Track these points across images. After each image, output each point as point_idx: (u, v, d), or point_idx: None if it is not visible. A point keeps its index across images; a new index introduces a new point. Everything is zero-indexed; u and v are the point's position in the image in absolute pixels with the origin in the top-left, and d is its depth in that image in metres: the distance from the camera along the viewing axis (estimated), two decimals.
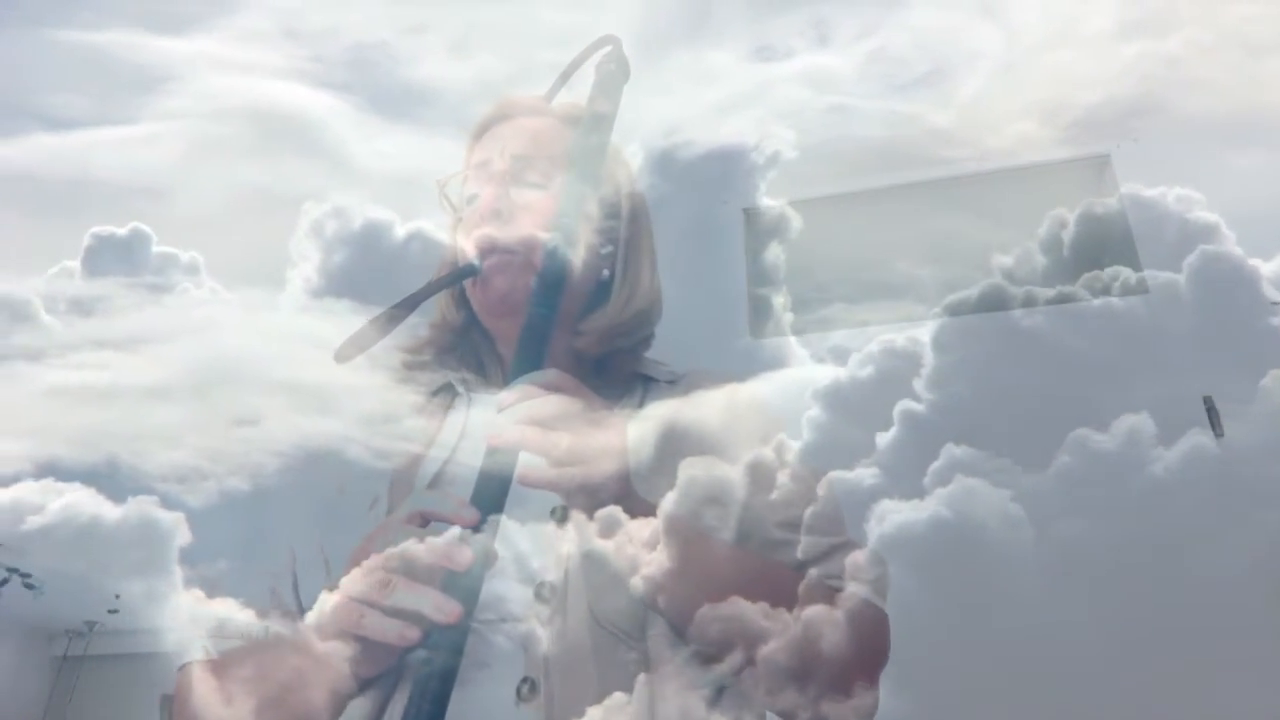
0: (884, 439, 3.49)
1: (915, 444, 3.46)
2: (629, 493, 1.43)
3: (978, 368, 3.63)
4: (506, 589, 1.40)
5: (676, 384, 1.72)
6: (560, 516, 1.48)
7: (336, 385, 1.67)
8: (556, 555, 1.46)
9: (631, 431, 1.49)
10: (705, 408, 1.59)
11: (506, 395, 1.44)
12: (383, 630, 1.27)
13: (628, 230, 1.77)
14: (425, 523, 1.34)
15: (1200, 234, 3.78)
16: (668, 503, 1.43)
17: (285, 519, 1.61)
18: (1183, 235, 3.71)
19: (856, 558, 1.50)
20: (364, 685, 1.38)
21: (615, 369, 1.70)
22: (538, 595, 1.44)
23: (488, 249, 1.64)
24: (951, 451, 3.37)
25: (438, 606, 1.25)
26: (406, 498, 1.51)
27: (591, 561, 1.45)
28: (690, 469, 1.47)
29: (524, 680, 1.38)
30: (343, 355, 1.57)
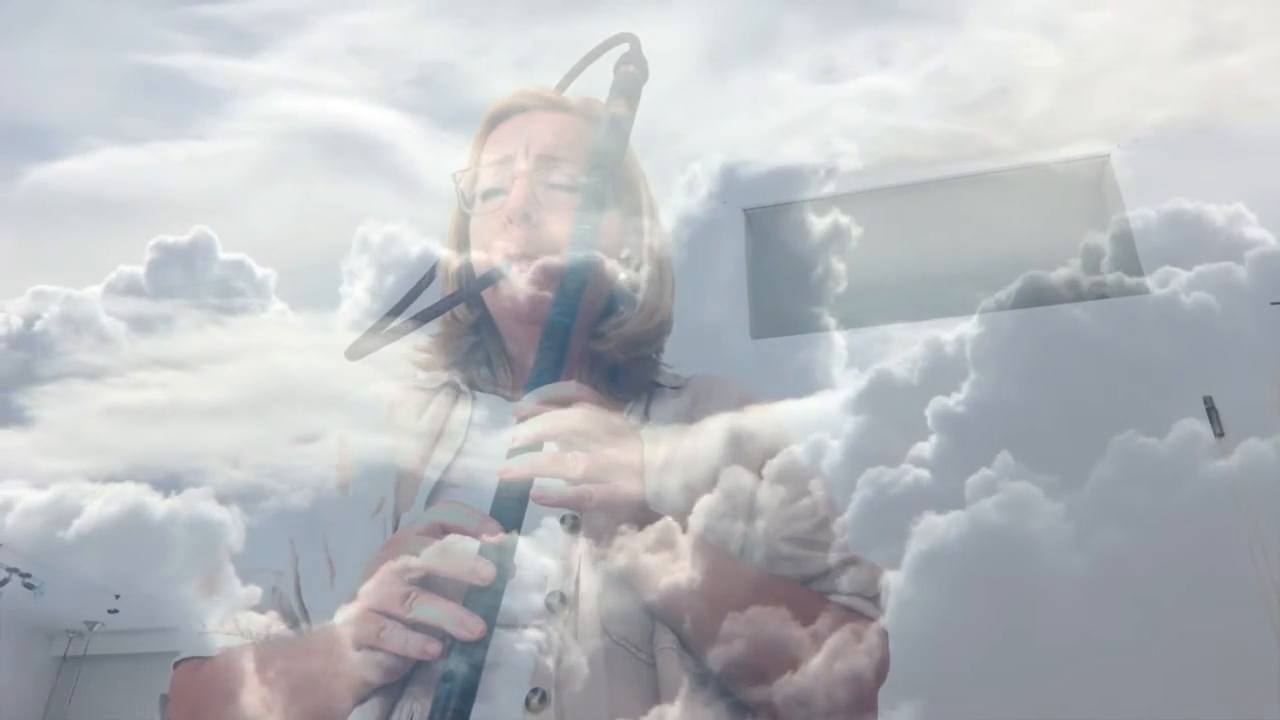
0: (926, 437, 3.45)
1: (958, 443, 3.42)
2: (645, 510, 1.41)
3: (1024, 366, 3.59)
4: (512, 598, 1.38)
5: (682, 390, 1.70)
6: (570, 525, 1.45)
7: (392, 401, 1.69)
8: (567, 565, 1.44)
9: (649, 449, 1.47)
10: (718, 425, 1.57)
11: (524, 406, 1.40)
12: (403, 644, 1.25)
13: (651, 238, 1.75)
14: (444, 534, 1.31)
15: (1246, 245, 3.77)
16: (696, 521, 1.42)
17: (344, 535, 1.58)
18: (1230, 246, 3.70)
19: (859, 573, 1.51)
20: (371, 692, 1.36)
21: (632, 376, 1.68)
22: (548, 605, 1.41)
23: (517, 254, 1.62)
24: (996, 453, 3.33)
25: (460, 621, 1.22)
26: (414, 501, 1.49)
27: (603, 573, 1.43)
28: (724, 480, 1.47)
29: (534, 691, 1.36)
30: (354, 353, 1.55)
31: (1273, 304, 3.35)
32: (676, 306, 1.75)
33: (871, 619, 1.47)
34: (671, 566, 1.39)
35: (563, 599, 1.42)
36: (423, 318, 1.59)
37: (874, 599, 1.49)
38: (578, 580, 1.43)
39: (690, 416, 1.61)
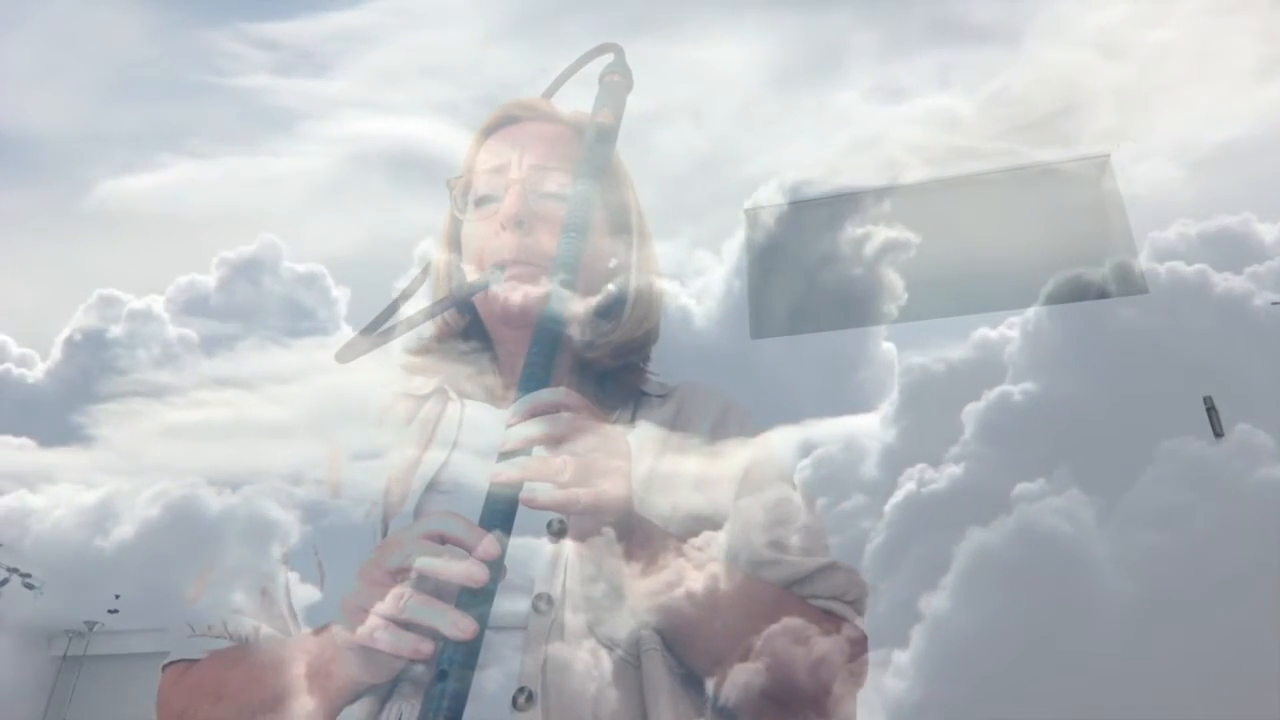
0: (965, 437, 3.42)
1: (1000, 443, 3.39)
2: (631, 514, 1.43)
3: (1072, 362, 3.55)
4: (499, 600, 1.40)
5: (667, 398, 1.72)
6: (557, 529, 1.48)
7: (382, 407, 1.71)
8: (553, 568, 1.46)
9: (636, 455, 1.48)
10: (702, 433, 1.61)
11: (514, 412, 1.42)
12: (396, 644, 1.26)
13: (639, 247, 1.78)
14: (442, 542, 1.32)
15: None
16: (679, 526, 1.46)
17: (334, 540, 1.61)
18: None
19: (838, 578, 1.53)
20: (361, 692, 1.39)
21: (620, 383, 1.70)
22: (535, 608, 1.43)
23: (509, 259, 1.66)
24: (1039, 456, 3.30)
25: (454, 623, 1.24)
26: (403, 506, 1.51)
27: (590, 577, 1.46)
28: (709, 487, 1.51)
29: (520, 690, 1.38)
30: (344, 356, 1.58)
31: (1273, 304, 3.34)
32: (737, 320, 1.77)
33: (850, 622, 1.50)
34: (665, 579, 1.42)
35: (549, 601, 1.44)
36: (414, 322, 1.62)
37: (853, 603, 1.52)
38: (564, 583, 1.46)
39: (675, 424, 1.64)
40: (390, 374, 1.68)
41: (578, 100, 1.78)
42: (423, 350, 1.75)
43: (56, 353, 3.31)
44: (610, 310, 1.70)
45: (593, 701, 1.39)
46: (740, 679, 1.39)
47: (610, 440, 1.45)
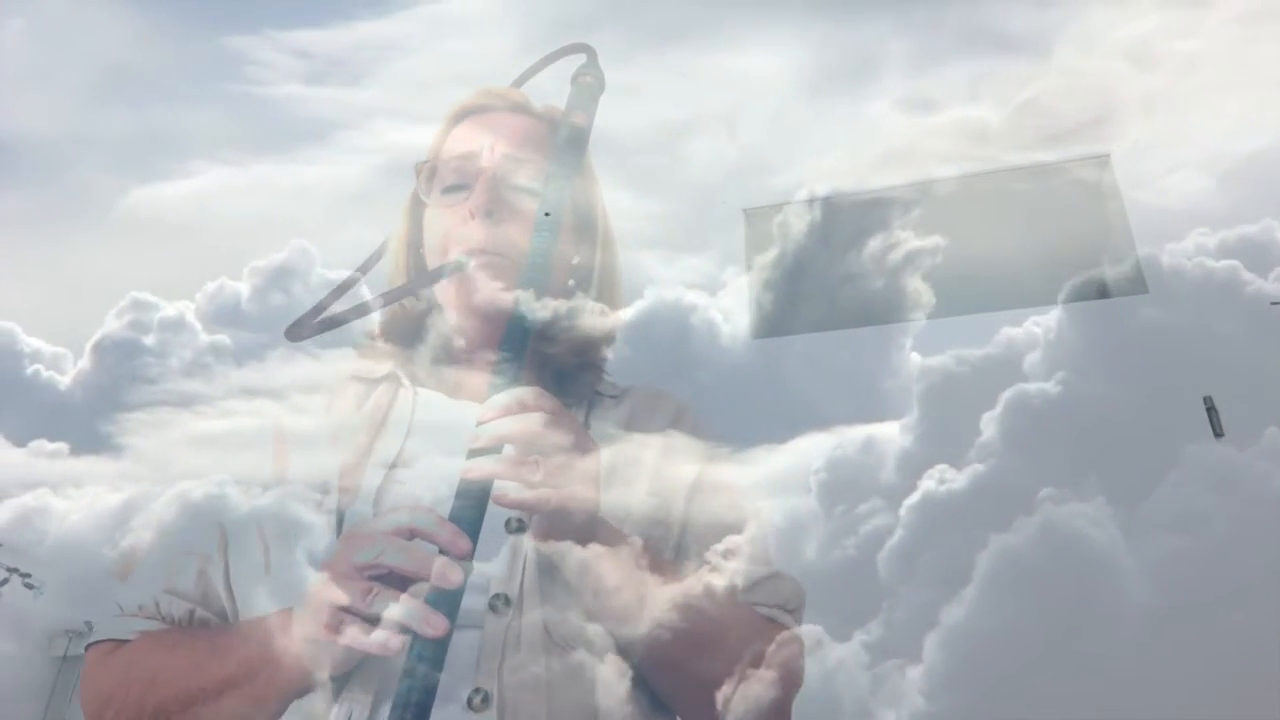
0: (983, 439, 3.34)
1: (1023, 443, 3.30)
2: (595, 519, 1.43)
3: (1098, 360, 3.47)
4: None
5: (621, 399, 1.70)
6: (515, 528, 1.45)
7: (331, 391, 1.70)
8: (511, 567, 1.44)
9: (605, 459, 1.50)
10: (657, 440, 1.60)
11: (487, 408, 1.43)
12: (362, 639, 1.27)
13: (604, 249, 1.77)
14: (411, 537, 1.32)
15: None
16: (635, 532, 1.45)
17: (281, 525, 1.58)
18: None
19: (781, 586, 1.55)
20: (309, 686, 1.36)
21: (577, 381, 1.68)
22: (492, 607, 1.40)
23: (477, 249, 1.65)
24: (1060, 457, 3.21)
25: (425, 619, 1.25)
26: (358, 495, 1.49)
27: (549, 577, 1.43)
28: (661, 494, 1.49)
29: (476, 691, 1.35)
30: (294, 334, 1.57)
31: (1273, 304, 3.23)
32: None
33: (790, 629, 1.52)
34: (622, 583, 1.41)
35: (507, 601, 1.41)
36: (378, 304, 1.61)
37: (794, 612, 1.53)
38: (522, 583, 1.43)
39: (630, 426, 1.62)
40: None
41: (547, 96, 1.77)
42: (378, 334, 1.73)
43: (86, 360, 3.35)
44: (572, 309, 1.69)
45: (547, 702, 1.36)
46: (681, 679, 1.38)
47: (581, 444, 1.46)
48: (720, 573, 1.50)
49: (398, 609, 1.26)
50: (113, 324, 3.62)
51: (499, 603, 1.40)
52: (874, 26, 3.45)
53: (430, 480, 1.40)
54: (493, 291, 1.61)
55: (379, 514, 1.42)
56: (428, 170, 1.77)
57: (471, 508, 1.36)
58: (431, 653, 1.26)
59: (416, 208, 1.79)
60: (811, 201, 3.29)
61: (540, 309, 1.53)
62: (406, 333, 1.72)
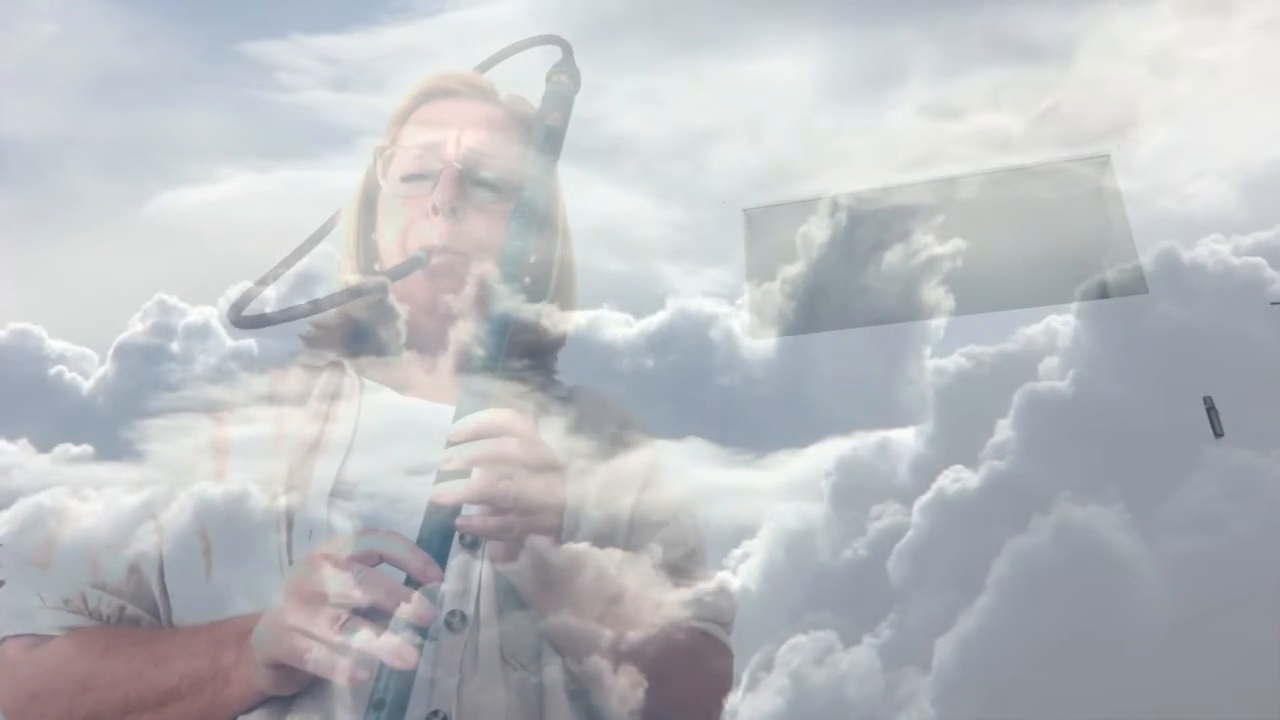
0: (997, 439, 3.30)
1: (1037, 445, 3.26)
2: (555, 546, 1.39)
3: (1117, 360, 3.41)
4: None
5: (568, 402, 1.64)
6: (470, 542, 1.41)
7: (272, 375, 1.66)
8: (465, 585, 1.40)
9: (571, 488, 1.45)
10: (602, 456, 1.56)
11: (459, 429, 1.38)
12: (329, 668, 1.20)
13: (563, 252, 1.72)
14: (377, 562, 1.27)
15: None
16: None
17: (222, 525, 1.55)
18: None
19: (716, 601, 1.52)
20: (258, 704, 1.33)
21: (526, 382, 1.63)
22: (448, 624, 1.36)
23: (439, 246, 1.60)
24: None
25: (395, 651, 1.18)
26: (307, 500, 1.45)
27: (506, 596, 1.40)
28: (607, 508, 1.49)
29: (434, 713, 1.32)
30: (242, 321, 1.54)
31: (1273, 304, 3.15)
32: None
33: (721, 641, 1.51)
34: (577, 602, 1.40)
35: (463, 619, 1.37)
36: (335, 301, 1.57)
37: (726, 625, 1.52)
38: (478, 600, 1.39)
39: (578, 429, 1.57)
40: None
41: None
42: (324, 321, 1.67)
43: (109, 364, 3.38)
44: (535, 310, 1.65)
45: None
46: (621, 692, 1.35)
47: (550, 469, 1.41)
48: (660, 587, 1.47)
49: (367, 639, 1.21)
50: (139, 324, 3.65)
51: (455, 620, 1.36)
52: (897, 34, 3.41)
53: (386, 488, 1.38)
54: (448, 290, 1.58)
55: (333, 521, 1.39)
56: (386, 155, 1.70)
57: (440, 534, 1.32)
58: (399, 684, 1.21)
59: (370, 189, 1.72)
60: (815, 201, 3.25)
61: (527, 312, 1.51)
62: (354, 323, 1.66)
